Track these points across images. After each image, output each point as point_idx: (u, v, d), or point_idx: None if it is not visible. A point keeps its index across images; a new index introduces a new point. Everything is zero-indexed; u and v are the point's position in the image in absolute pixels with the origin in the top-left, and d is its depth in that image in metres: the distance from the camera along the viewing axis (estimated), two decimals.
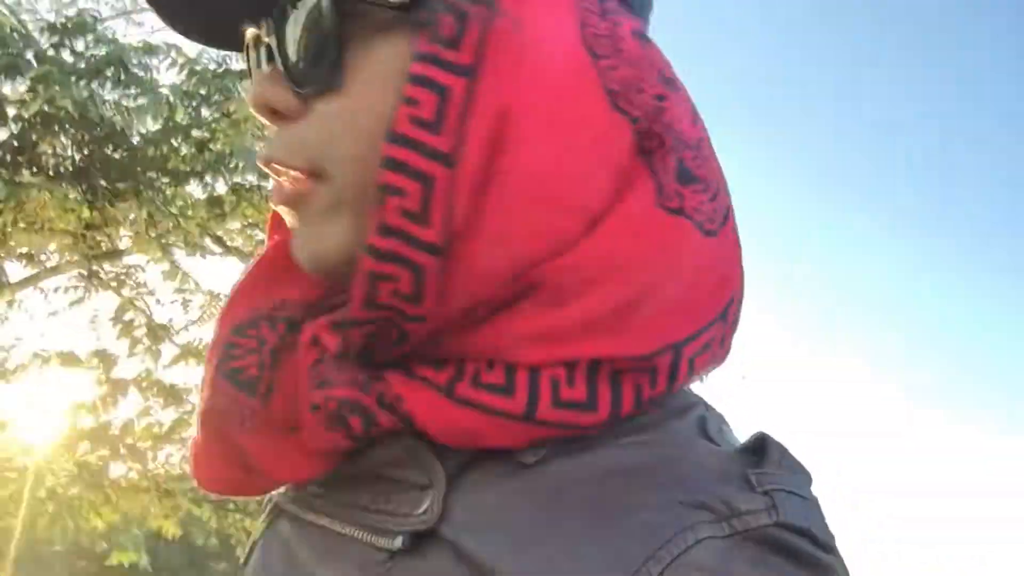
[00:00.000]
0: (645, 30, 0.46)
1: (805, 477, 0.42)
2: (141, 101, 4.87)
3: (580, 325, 0.39)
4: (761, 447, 0.42)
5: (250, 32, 0.46)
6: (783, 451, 0.42)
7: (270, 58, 0.44)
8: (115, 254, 5.75)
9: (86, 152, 4.97)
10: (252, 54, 0.46)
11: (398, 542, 0.41)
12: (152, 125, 5.00)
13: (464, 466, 0.41)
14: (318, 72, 0.41)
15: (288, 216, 0.45)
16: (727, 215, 0.44)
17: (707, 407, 0.45)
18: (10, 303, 5.74)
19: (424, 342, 0.41)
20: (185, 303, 5.97)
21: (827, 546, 0.39)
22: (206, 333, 5.83)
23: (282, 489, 0.50)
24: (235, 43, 0.48)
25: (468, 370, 0.41)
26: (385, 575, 0.41)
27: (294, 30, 0.42)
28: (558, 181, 0.39)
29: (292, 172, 0.43)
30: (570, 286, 0.40)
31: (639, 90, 0.41)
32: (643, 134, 0.41)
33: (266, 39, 0.44)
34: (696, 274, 0.42)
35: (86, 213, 5.10)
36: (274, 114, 0.43)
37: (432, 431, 0.41)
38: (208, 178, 5.22)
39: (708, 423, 0.43)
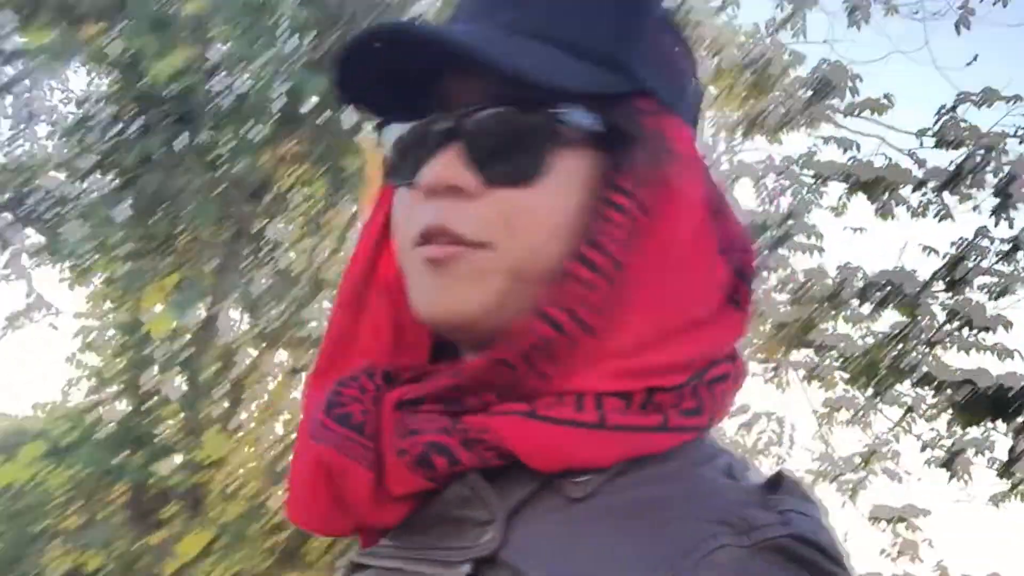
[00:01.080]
0: (723, 185, 0.59)
1: (817, 507, 0.49)
2: None
3: (645, 370, 0.50)
4: (777, 481, 0.50)
5: (434, 118, 0.53)
6: (797, 484, 0.50)
7: (448, 140, 0.51)
8: None
9: None
10: (426, 134, 0.53)
11: (464, 569, 0.47)
12: None
13: (522, 502, 0.49)
14: (513, 168, 0.51)
15: (432, 274, 0.52)
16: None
17: (733, 457, 0.53)
18: None
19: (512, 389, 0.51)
20: None
21: (838, 560, 0.45)
22: None
23: (353, 552, 0.58)
24: (401, 117, 0.56)
25: (543, 402, 0.50)
26: None
27: (494, 130, 0.51)
28: (680, 301, 0.52)
29: (453, 240, 0.51)
30: (652, 350, 0.51)
31: (732, 244, 0.55)
32: (735, 285, 0.55)
33: (446, 124, 0.52)
34: (722, 353, 0.55)
35: None
36: (448, 192, 0.51)
37: (519, 449, 0.48)
38: None
39: (734, 468, 0.51)
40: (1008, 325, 4.42)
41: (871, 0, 4.87)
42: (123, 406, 5.14)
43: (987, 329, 4.45)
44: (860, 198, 4.83)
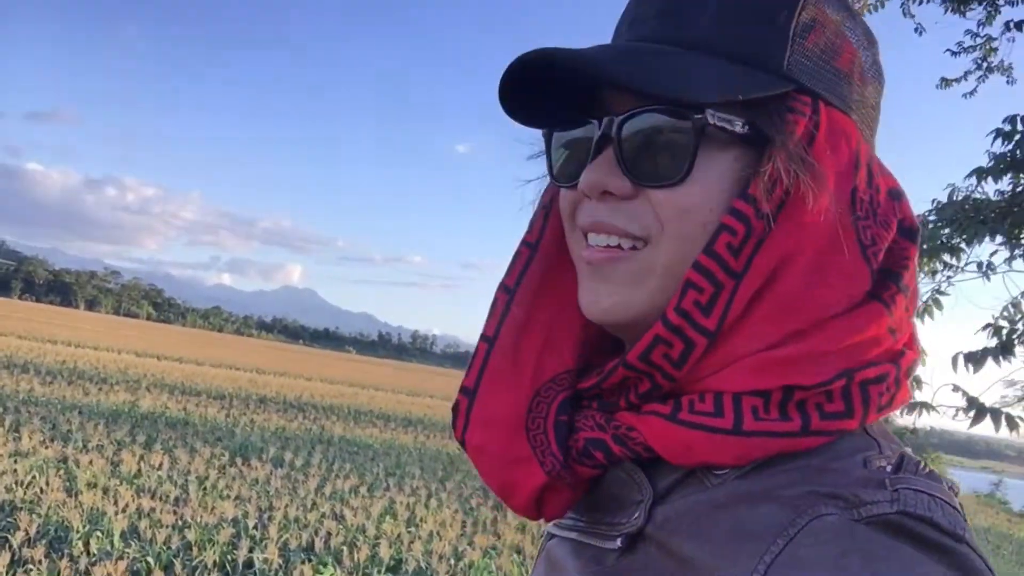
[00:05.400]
0: (898, 184, 0.59)
1: (943, 485, 0.50)
2: None
3: (780, 362, 0.52)
4: (901, 463, 0.51)
5: (584, 129, 0.59)
6: (921, 464, 0.52)
7: (603, 146, 0.57)
8: None
9: None
10: (584, 140, 0.59)
11: (617, 543, 0.56)
12: None
13: (668, 487, 0.55)
14: (665, 170, 0.54)
15: (594, 276, 0.58)
16: (912, 327, 0.58)
17: (881, 452, 0.52)
18: None
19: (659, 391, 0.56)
20: None
21: (954, 535, 0.46)
22: None
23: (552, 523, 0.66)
24: (552, 126, 0.62)
25: (684, 403, 0.54)
26: (614, 565, 0.56)
27: (644, 135, 0.55)
28: (809, 304, 0.53)
29: (614, 239, 0.56)
30: (788, 345, 0.52)
31: (882, 247, 0.55)
32: (878, 284, 0.55)
33: (600, 134, 0.56)
34: (872, 353, 0.54)
35: None
36: (604, 194, 0.56)
37: (657, 447, 0.54)
38: None
39: (872, 461, 0.51)
40: None
41: None
42: None
43: None
44: None
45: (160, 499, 7.34)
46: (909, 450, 0.54)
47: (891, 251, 0.56)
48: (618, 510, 0.57)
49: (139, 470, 8.43)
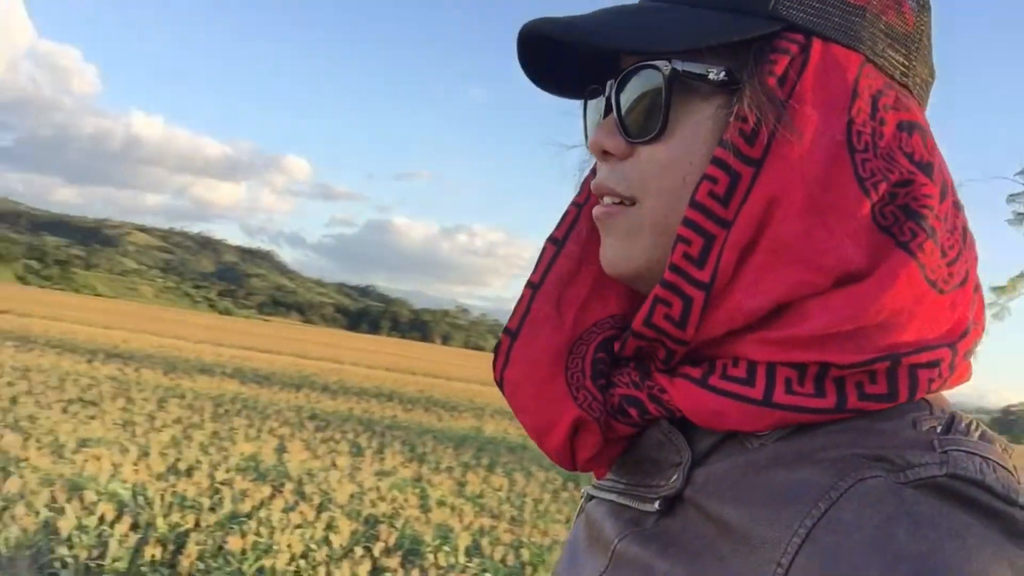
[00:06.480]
0: (915, 118, 0.54)
1: (996, 446, 0.48)
2: None
3: (814, 338, 0.49)
4: (951, 423, 0.48)
5: (593, 92, 0.62)
6: (973, 424, 0.49)
7: (608, 111, 0.58)
8: None
9: None
10: (594, 106, 0.62)
11: (656, 505, 0.55)
12: None
13: (707, 450, 0.54)
14: (648, 126, 0.55)
15: (601, 231, 0.60)
16: (965, 278, 0.54)
17: (932, 413, 0.49)
18: None
19: (687, 353, 0.55)
20: None
21: (1007, 499, 0.44)
22: None
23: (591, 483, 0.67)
24: (579, 94, 0.64)
25: (718, 367, 0.53)
26: (653, 527, 0.55)
27: (632, 93, 0.56)
28: (808, 249, 0.50)
29: (611, 198, 0.58)
30: (814, 313, 0.50)
31: (885, 178, 0.51)
32: (883, 214, 0.51)
33: (605, 96, 0.59)
34: (920, 319, 0.50)
35: None
36: (605, 154, 0.58)
37: (686, 412, 0.54)
38: None
39: (921, 422, 0.48)
40: None
41: None
42: None
43: None
44: None
45: (499, 518, 7.80)
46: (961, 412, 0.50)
47: (902, 186, 0.51)
48: (656, 472, 0.56)
49: (482, 491, 9.04)
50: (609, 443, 0.59)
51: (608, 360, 0.59)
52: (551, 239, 0.64)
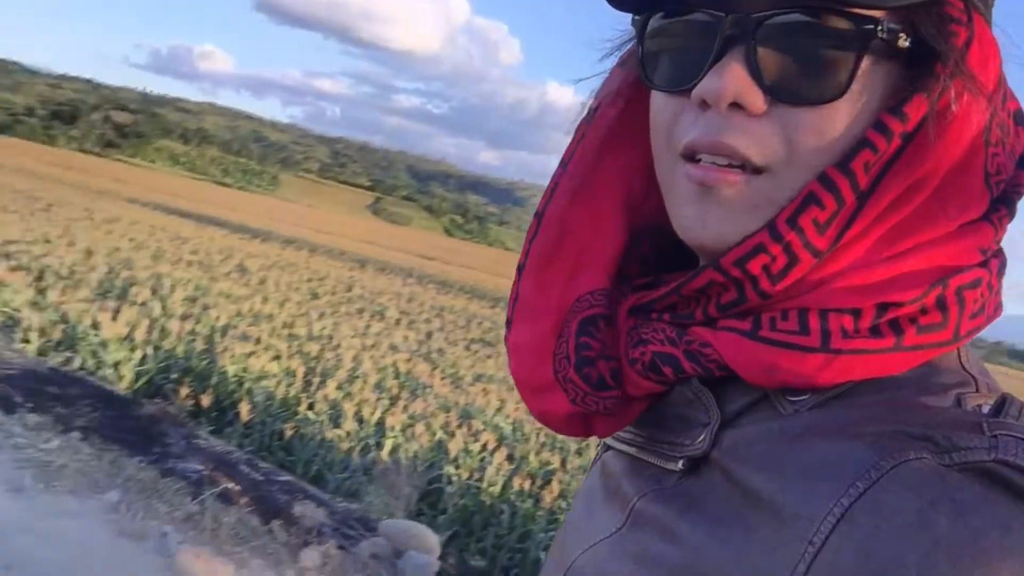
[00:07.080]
0: (1021, 108, 0.52)
1: None
2: None
3: (876, 284, 0.47)
4: (1001, 404, 0.46)
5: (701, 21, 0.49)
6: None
7: (731, 46, 0.47)
8: None
9: None
10: (703, 35, 0.49)
11: (679, 464, 0.52)
12: None
13: (738, 411, 0.51)
14: (810, 86, 0.46)
15: (703, 198, 0.50)
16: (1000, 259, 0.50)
17: (977, 390, 0.47)
18: None
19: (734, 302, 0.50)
20: None
21: None
22: None
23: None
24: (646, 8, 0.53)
25: (764, 320, 0.49)
26: (675, 487, 0.52)
27: (792, 41, 0.46)
28: (921, 231, 0.48)
29: (727, 160, 0.48)
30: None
31: (1005, 178, 0.50)
32: (993, 206, 0.49)
33: (732, 29, 0.47)
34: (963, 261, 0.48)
35: None
36: (732, 106, 0.47)
37: (735, 366, 0.49)
38: None
39: (966, 399, 0.46)
40: None
41: None
42: None
43: None
44: None
45: None
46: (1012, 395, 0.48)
47: (1013, 184, 0.50)
48: (681, 431, 0.53)
49: None
50: (631, 401, 0.56)
51: (597, 346, 0.55)
52: (536, 214, 0.59)
